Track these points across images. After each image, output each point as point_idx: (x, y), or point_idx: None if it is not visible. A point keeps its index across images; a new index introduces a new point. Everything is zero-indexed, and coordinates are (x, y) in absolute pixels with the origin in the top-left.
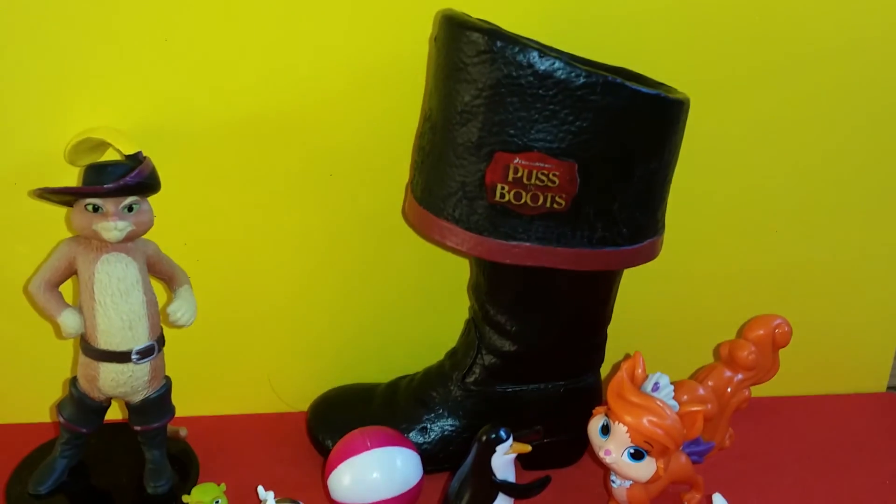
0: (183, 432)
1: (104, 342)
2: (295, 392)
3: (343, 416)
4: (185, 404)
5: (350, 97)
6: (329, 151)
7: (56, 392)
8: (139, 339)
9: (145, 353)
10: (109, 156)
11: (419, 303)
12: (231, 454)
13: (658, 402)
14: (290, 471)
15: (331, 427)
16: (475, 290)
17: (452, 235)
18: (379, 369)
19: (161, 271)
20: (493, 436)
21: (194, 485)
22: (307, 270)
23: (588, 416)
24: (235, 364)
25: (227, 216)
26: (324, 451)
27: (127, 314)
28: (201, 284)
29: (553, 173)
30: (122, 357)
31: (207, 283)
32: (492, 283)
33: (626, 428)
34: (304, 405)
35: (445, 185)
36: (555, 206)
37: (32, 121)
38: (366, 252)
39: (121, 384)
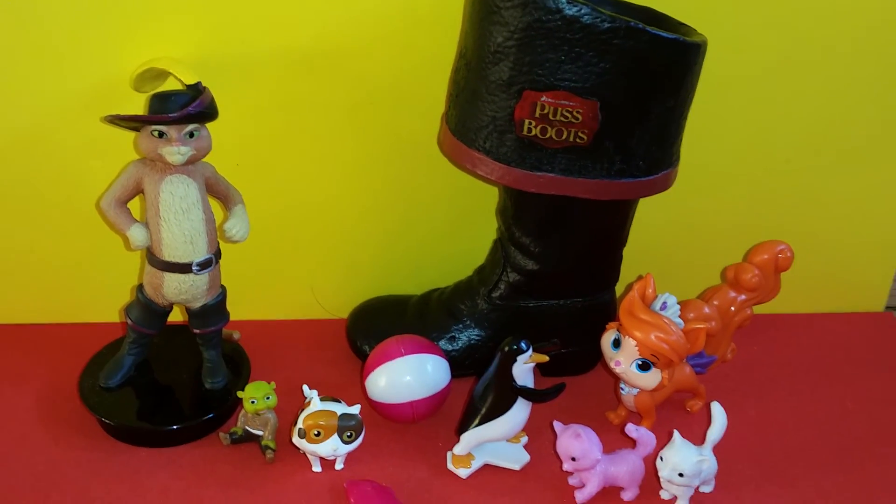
0: (236, 335)
1: (168, 254)
2: (336, 301)
3: (379, 324)
4: (239, 310)
5: (392, 32)
6: (370, 82)
7: (124, 296)
8: (199, 252)
9: (204, 265)
10: (171, 84)
11: (451, 223)
12: (278, 356)
13: (665, 320)
14: (331, 372)
15: (368, 334)
16: (502, 213)
17: (483, 165)
18: (413, 283)
19: (218, 191)
20: (515, 346)
21: (246, 382)
22: (349, 191)
23: (602, 330)
24: (283, 275)
25: (276, 140)
26: (362, 356)
27: (188, 230)
28: (252, 203)
29: (577, 110)
30: (183, 268)
31: (258, 201)
32: (518, 208)
33: (635, 342)
34: (343, 313)
35: (477, 118)
36: (577, 140)
37: (101, 51)
38: (403, 176)
39: (182, 292)
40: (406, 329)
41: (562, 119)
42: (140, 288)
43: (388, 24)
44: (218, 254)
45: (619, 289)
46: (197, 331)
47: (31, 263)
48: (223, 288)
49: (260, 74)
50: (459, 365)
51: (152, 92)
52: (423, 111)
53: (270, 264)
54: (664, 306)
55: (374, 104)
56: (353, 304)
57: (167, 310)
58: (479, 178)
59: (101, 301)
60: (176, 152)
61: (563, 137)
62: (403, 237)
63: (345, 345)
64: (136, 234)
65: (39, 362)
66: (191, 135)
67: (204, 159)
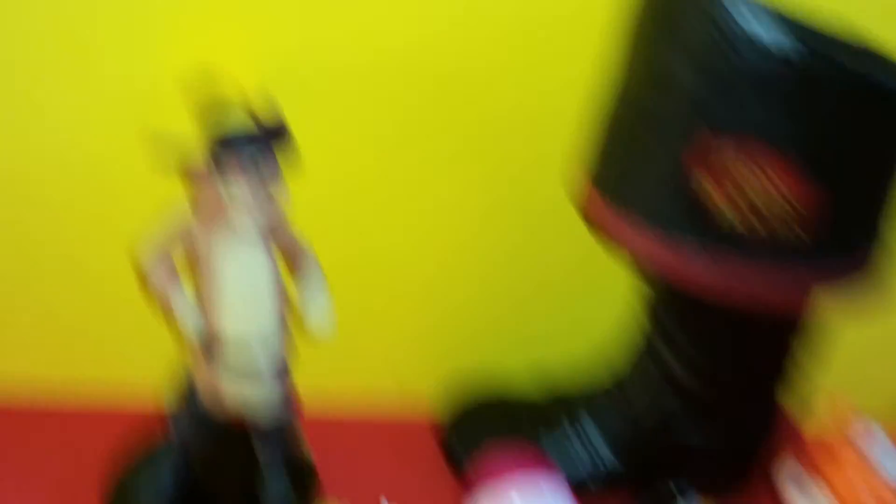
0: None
1: (231, 349)
2: (426, 393)
3: (484, 432)
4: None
5: (518, 57)
6: (489, 116)
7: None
8: (270, 347)
9: (277, 371)
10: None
11: (580, 303)
12: (352, 463)
13: (873, 462)
14: (416, 486)
15: (469, 443)
16: (656, 306)
17: (637, 237)
18: (526, 371)
19: (294, 261)
20: (673, 491)
21: (312, 496)
22: (447, 247)
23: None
24: (360, 358)
25: (364, 188)
26: (459, 470)
27: (258, 316)
28: (331, 266)
29: (775, 172)
30: (252, 374)
31: (337, 263)
32: (681, 304)
33: (830, 493)
34: (437, 410)
35: (634, 173)
36: (776, 214)
37: (146, 63)
38: (522, 238)
39: (248, 404)
40: (519, 442)
41: (754, 183)
42: (190, 388)
43: (515, 47)
44: (293, 351)
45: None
46: (262, 449)
47: (45, 327)
48: (298, 400)
49: (345, 104)
50: (585, 493)
51: (214, 127)
52: (553, 156)
53: (345, 344)
54: (870, 442)
55: (490, 145)
56: (449, 399)
57: (226, 425)
58: (622, 248)
59: (137, 373)
60: (245, 207)
61: (756, 209)
62: (517, 315)
63: (438, 453)
64: (189, 316)
65: (52, 459)
66: (264, 185)
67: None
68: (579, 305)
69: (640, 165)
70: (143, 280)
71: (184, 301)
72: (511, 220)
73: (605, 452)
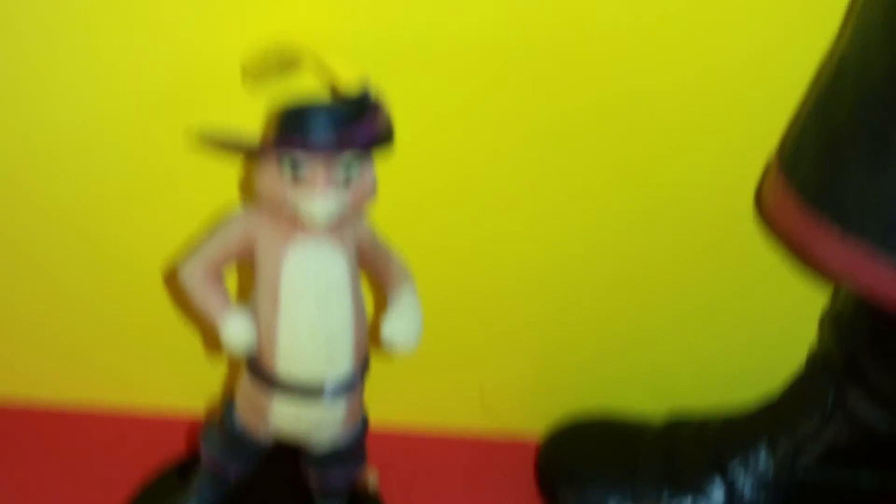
0: (373, 479)
1: (285, 366)
2: (519, 412)
3: (592, 465)
4: (375, 416)
5: (687, 23)
6: (626, 94)
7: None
8: (337, 365)
9: (343, 387)
10: (303, 79)
11: (718, 320)
12: (430, 496)
13: None
14: None
15: (574, 475)
16: (846, 327)
17: (868, 269)
18: (637, 396)
19: (376, 266)
20: None
21: None
22: (559, 257)
23: None
24: (443, 370)
25: (462, 176)
26: (553, 496)
27: (324, 331)
28: (421, 267)
29: None
30: (309, 390)
31: (423, 266)
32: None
33: None
34: (531, 431)
35: (871, 192)
36: None
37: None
38: (656, 239)
39: (301, 424)
40: (636, 480)
41: None
42: (229, 409)
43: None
44: (365, 367)
45: None
46: (314, 478)
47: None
48: (365, 420)
49: (457, 73)
50: None
51: (282, 101)
52: (715, 140)
53: (425, 356)
54: None
55: (626, 127)
56: (545, 418)
57: (267, 448)
58: (834, 278)
59: (165, 386)
60: (321, 204)
61: None
62: (637, 330)
63: (532, 484)
64: (237, 330)
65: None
66: (346, 174)
67: (361, 211)
68: (723, 339)
69: (888, 192)
70: (185, 290)
71: (230, 314)
72: (652, 228)
73: (748, 496)
